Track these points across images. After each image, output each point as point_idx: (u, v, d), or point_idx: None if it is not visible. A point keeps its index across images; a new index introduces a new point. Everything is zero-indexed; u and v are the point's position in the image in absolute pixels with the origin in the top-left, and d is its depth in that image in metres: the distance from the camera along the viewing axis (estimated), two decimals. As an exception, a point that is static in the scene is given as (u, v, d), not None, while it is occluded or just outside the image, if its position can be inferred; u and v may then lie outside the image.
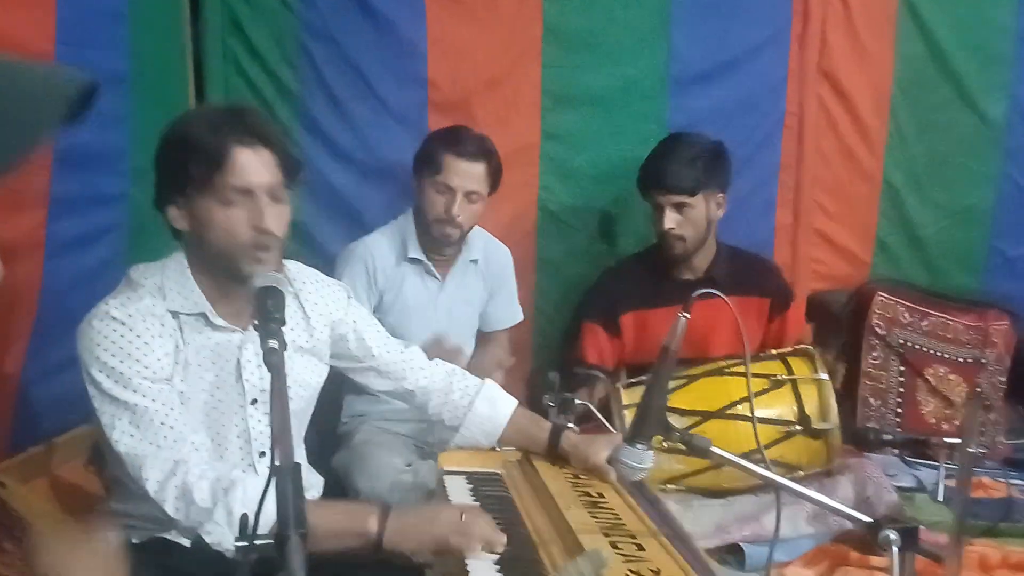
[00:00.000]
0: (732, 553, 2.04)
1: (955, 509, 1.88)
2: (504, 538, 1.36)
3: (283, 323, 1.23)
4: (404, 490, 2.01)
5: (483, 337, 2.58)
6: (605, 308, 2.52)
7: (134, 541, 1.59)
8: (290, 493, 0.92)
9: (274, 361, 1.12)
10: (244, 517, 0.95)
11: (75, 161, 1.87)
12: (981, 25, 2.84)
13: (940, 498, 2.20)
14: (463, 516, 1.38)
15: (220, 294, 1.52)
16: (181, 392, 1.49)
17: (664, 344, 1.38)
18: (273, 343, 1.15)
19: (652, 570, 1.28)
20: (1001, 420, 2.82)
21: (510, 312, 2.60)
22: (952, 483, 1.99)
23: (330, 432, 2.33)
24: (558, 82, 2.72)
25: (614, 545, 1.36)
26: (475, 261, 2.47)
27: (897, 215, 2.96)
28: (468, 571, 1.30)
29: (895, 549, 1.19)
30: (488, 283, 2.53)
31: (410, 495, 2.00)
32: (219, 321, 1.52)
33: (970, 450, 1.86)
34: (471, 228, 2.37)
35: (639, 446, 1.36)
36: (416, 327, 2.30)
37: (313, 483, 1.76)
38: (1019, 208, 2.97)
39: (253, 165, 1.44)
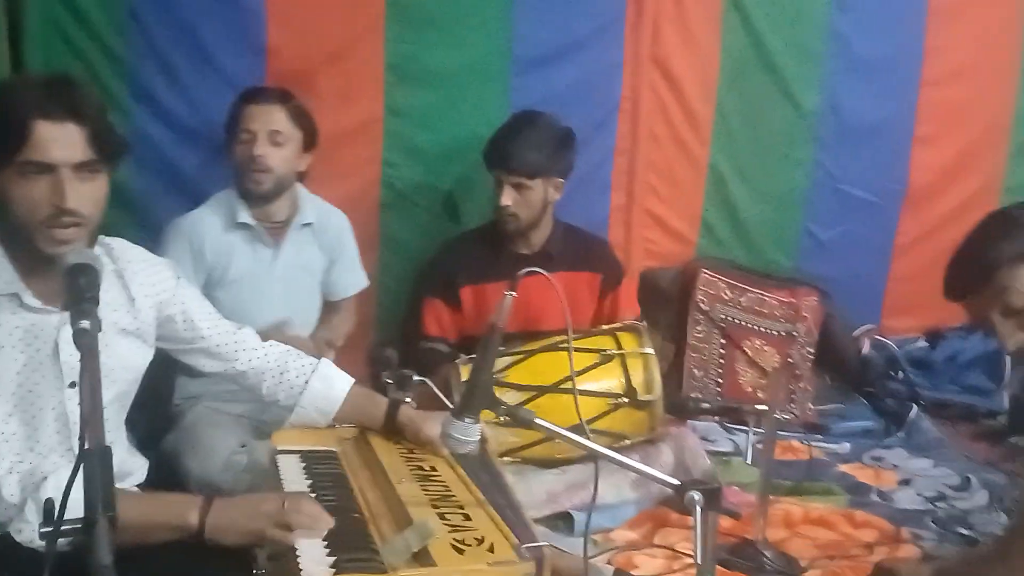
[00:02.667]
0: (563, 519, 2.16)
1: (761, 470, 2.06)
2: (331, 521, 1.36)
3: (96, 303, 1.18)
4: (237, 471, 1.98)
5: (328, 307, 2.55)
6: (444, 281, 2.56)
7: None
8: (98, 476, 0.90)
9: (85, 342, 1.08)
10: (49, 502, 0.92)
11: None
12: (798, 21, 3.07)
13: (749, 460, 2.39)
14: (285, 505, 1.37)
15: (35, 273, 1.44)
16: None
17: (491, 321, 1.43)
18: (84, 323, 1.11)
19: (476, 538, 1.34)
20: (809, 388, 3.09)
21: (353, 278, 2.58)
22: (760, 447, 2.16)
23: (161, 414, 2.25)
24: (402, 58, 2.72)
25: (442, 516, 1.40)
26: (309, 225, 2.43)
27: (721, 198, 3.16)
28: (297, 550, 1.31)
29: (699, 508, 1.29)
30: (326, 249, 2.48)
31: (244, 476, 1.97)
32: (33, 302, 1.44)
33: (775, 416, 2.05)
34: (286, 174, 2.32)
35: (467, 420, 1.40)
36: (251, 298, 2.26)
37: (137, 466, 1.70)
38: (829, 194, 3.24)
39: (56, 140, 1.36)
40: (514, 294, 1.45)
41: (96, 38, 2.46)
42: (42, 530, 0.90)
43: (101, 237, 1.60)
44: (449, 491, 1.53)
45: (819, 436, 2.84)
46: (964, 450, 2.81)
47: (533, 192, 2.45)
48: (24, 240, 1.40)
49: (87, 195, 1.39)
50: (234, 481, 1.97)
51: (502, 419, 2.07)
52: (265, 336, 1.83)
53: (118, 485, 1.62)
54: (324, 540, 1.34)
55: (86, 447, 0.95)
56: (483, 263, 2.54)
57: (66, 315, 1.43)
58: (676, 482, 1.35)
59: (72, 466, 1.20)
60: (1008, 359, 3.15)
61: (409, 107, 2.76)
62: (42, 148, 1.35)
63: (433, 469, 1.63)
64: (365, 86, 2.71)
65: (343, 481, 1.58)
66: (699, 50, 3.00)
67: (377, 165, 2.78)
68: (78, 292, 1.18)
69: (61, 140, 1.36)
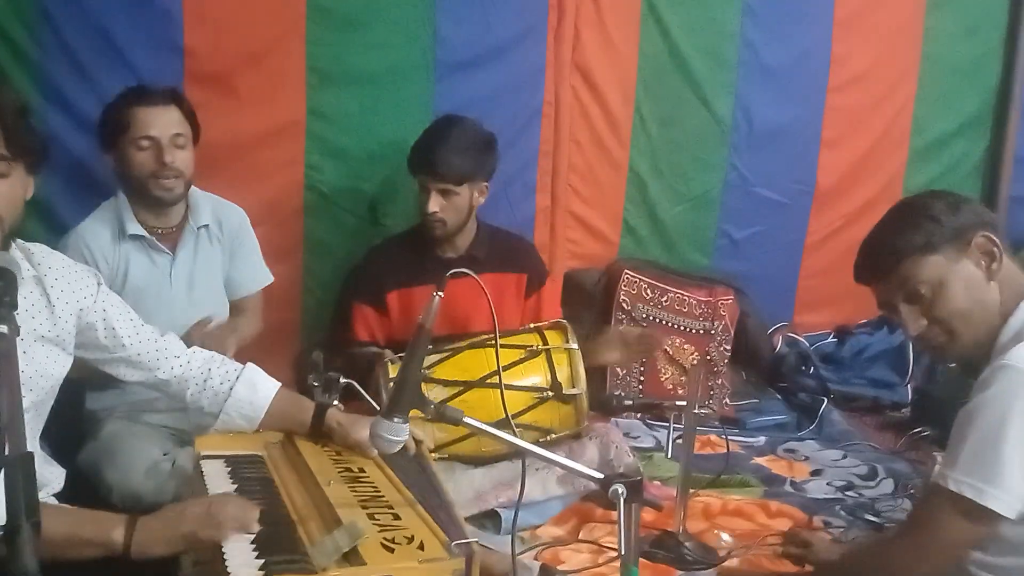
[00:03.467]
0: (490, 518, 2.18)
1: (682, 464, 2.12)
2: (256, 514, 1.37)
3: (14, 307, 1.15)
4: (160, 478, 1.95)
5: (233, 307, 2.46)
6: (371, 287, 2.54)
7: None
8: (20, 483, 0.89)
9: (2, 347, 1.06)
10: (-31, 512, 0.90)
11: None
12: (711, 29, 3.17)
13: (669, 455, 2.47)
14: (211, 506, 1.37)
15: None
16: None
17: (419, 322, 1.45)
18: (1, 328, 1.08)
19: (406, 536, 1.36)
20: (727, 384, 3.19)
21: (255, 275, 2.49)
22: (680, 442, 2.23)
23: (72, 428, 2.18)
24: (324, 60, 2.69)
25: (372, 516, 1.42)
26: (205, 226, 2.34)
27: (641, 199, 3.24)
28: (224, 555, 1.31)
29: (622, 501, 1.33)
30: (226, 246, 2.40)
31: (169, 484, 1.94)
32: None
33: (694, 411, 2.12)
34: (191, 177, 2.25)
35: (396, 420, 1.41)
36: (152, 308, 2.13)
37: (54, 476, 1.66)
38: (743, 195, 3.35)
39: None
40: (441, 295, 1.46)
41: (6, 39, 2.38)
42: (-38, 540, 0.88)
43: (21, 242, 1.56)
44: (378, 492, 1.54)
45: (736, 430, 2.94)
46: (871, 441, 2.94)
47: (459, 197, 2.46)
48: None
49: None
50: (157, 490, 1.94)
51: (430, 416, 2.15)
52: (188, 339, 1.81)
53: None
54: (252, 543, 1.34)
55: (7, 453, 0.93)
56: (409, 268, 2.53)
57: None
58: (600, 476, 1.39)
59: None
60: (912, 354, 3.32)
61: (331, 109, 2.74)
62: None
63: (362, 471, 1.64)
64: (287, 88, 2.67)
65: (269, 484, 1.58)
66: (618, 55, 3.07)
67: (299, 167, 2.74)
68: (-8, 296, 1.15)
69: None
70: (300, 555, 1.30)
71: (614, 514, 1.83)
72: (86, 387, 2.22)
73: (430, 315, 1.45)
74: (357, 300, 2.56)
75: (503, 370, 2.21)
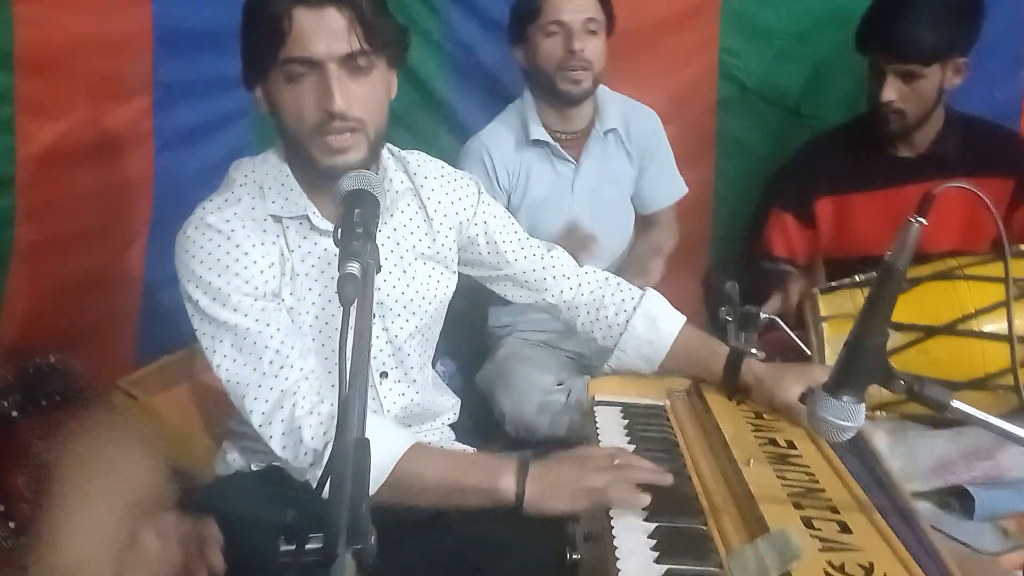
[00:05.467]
0: (956, 496, 1.68)
1: None
2: (669, 477, 1.13)
3: (371, 239, 0.96)
4: (554, 413, 1.79)
5: (642, 222, 2.26)
6: (797, 192, 2.16)
7: (252, 467, 1.47)
8: (349, 489, 0.67)
9: (348, 292, 0.86)
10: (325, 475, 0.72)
11: (182, 42, 1.69)
12: None
13: None
14: (615, 461, 1.15)
15: (321, 191, 1.30)
16: (291, 308, 1.31)
17: (887, 260, 1.00)
18: (352, 266, 0.89)
19: (862, 565, 0.95)
20: None
21: (669, 186, 2.26)
22: None
23: (478, 342, 2.13)
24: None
25: (808, 523, 1.03)
26: (613, 131, 2.14)
27: None
28: (616, 545, 1.04)
29: None
30: (635, 156, 2.19)
31: (561, 418, 1.78)
32: (324, 224, 1.31)
33: None
34: (600, 70, 2.03)
35: (846, 399, 1.00)
36: (552, 224, 2.01)
37: (447, 406, 1.55)
38: None
39: (317, 31, 1.19)
40: (923, 221, 1.00)
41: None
42: (284, 547, 0.69)
43: (396, 150, 1.44)
44: (815, 482, 1.15)
45: None
46: None
47: (927, 81, 1.92)
48: (300, 154, 1.27)
49: (359, 94, 1.22)
50: (552, 424, 1.80)
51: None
52: (558, 242, 1.59)
53: (427, 426, 1.49)
54: (651, 536, 1.05)
55: (356, 436, 0.73)
56: (848, 169, 2.09)
57: None
58: None
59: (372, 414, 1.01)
60: None
61: (753, -22, 2.32)
62: (302, 41, 1.19)
63: (791, 445, 1.26)
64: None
65: (674, 450, 1.28)
66: None
67: (713, 53, 2.39)
68: (349, 227, 0.97)
69: (322, 30, 1.19)
70: (711, 566, 0.98)
71: None
72: (488, 302, 2.13)
73: (906, 251, 1.00)
74: (778, 206, 2.20)
75: (982, 313, 1.70)
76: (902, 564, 0.96)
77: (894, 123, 1.98)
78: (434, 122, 2.38)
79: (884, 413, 1.80)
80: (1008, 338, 1.69)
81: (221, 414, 1.87)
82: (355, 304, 0.86)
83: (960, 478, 1.68)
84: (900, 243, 1.00)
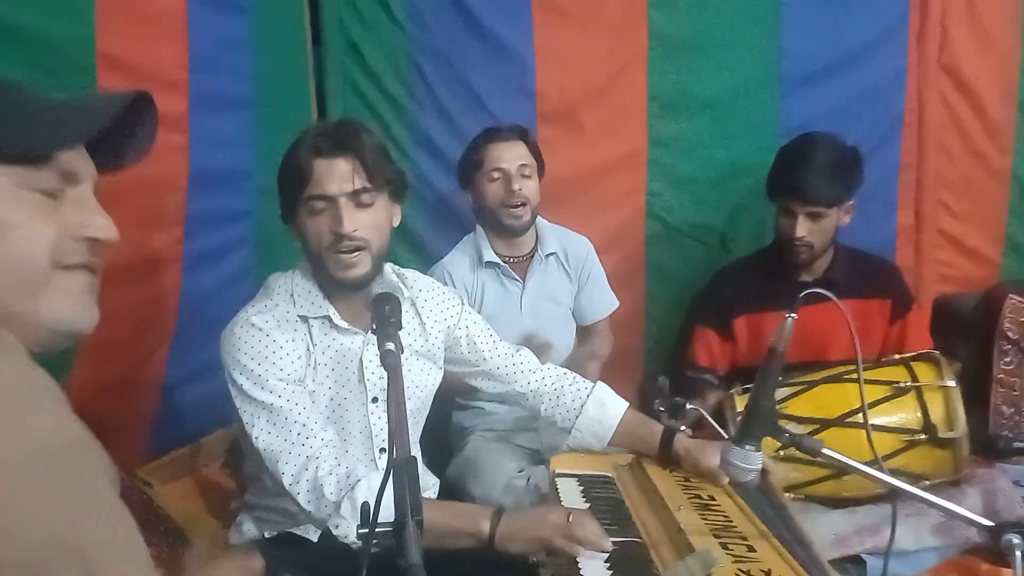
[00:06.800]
0: (854, 564, 1.98)
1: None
2: (609, 543, 1.38)
3: (399, 327, 1.29)
4: (518, 494, 2.04)
5: (581, 332, 2.56)
6: (718, 311, 2.49)
7: (265, 535, 1.70)
8: (406, 483, 0.98)
9: (390, 362, 1.18)
10: (365, 506, 1.00)
11: (207, 182, 2.01)
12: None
13: (1078, 509, 2.07)
14: (570, 518, 1.40)
15: (340, 298, 1.60)
16: (312, 392, 1.58)
17: (770, 344, 1.37)
18: (390, 345, 1.21)
19: (763, 570, 1.27)
20: None
21: (603, 301, 2.57)
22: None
23: (443, 445, 2.38)
24: (665, 88, 2.72)
25: (724, 546, 1.35)
26: (553, 255, 2.47)
27: (1030, 212, 2.82)
28: (580, 570, 1.33)
29: (1019, 554, 1.14)
30: (573, 275, 2.51)
31: (524, 498, 2.02)
32: (343, 324, 1.60)
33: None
34: (537, 205, 2.39)
35: (748, 447, 1.35)
36: (504, 332, 2.29)
37: (430, 484, 1.82)
38: None
39: (330, 174, 1.51)
40: (795, 316, 1.37)
41: (383, 91, 2.70)
42: (360, 531, 0.98)
43: (396, 268, 1.75)
44: (730, 521, 1.47)
45: None
46: None
47: (828, 220, 2.32)
48: (322, 269, 1.56)
49: (364, 220, 1.53)
50: (515, 503, 2.02)
51: (782, 453, 2.03)
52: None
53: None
54: (606, 562, 1.35)
55: (395, 456, 1.03)
56: (760, 293, 2.43)
57: (367, 336, 1.60)
58: (990, 523, 1.20)
59: (379, 473, 1.31)
60: None
61: (673, 136, 2.75)
62: (320, 182, 1.51)
63: (712, 499, 1.58)
64: (628, 118, 2.74)
65: (620, 505, 1.58)
66: (995, 53, 2.73)
67: (641, 196, 2.79)
68: (384, 318, 1.29)
69: (335, 173, 1.51)
70: (653, 577, 1.29)
71: (1004, 572, 1.57)
72: (453, 406, 2.42)
73: (783, 337, 1.36)
74: (700, 323, 2.53)
75: (867, 408, 2.03)
76: (790, 567, 1.28)
77: (803, 254, 2.35)
78: (401, 247, 2.71)
79: (792, 495, 2.12)
80: (885, 428, 2.08)
81: (219, 500, 2.11)
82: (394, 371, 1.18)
83: (854, 549, 1.98)
84: (779, 333, 1.37)
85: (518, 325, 2.40)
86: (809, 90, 2.70)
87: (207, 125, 1.97)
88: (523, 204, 2.35)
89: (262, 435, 1.50)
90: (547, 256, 2.47)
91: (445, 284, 2.30)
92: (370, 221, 1.54)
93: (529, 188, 2.36)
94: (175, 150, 1.90)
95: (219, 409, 1.92)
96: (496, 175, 2.35)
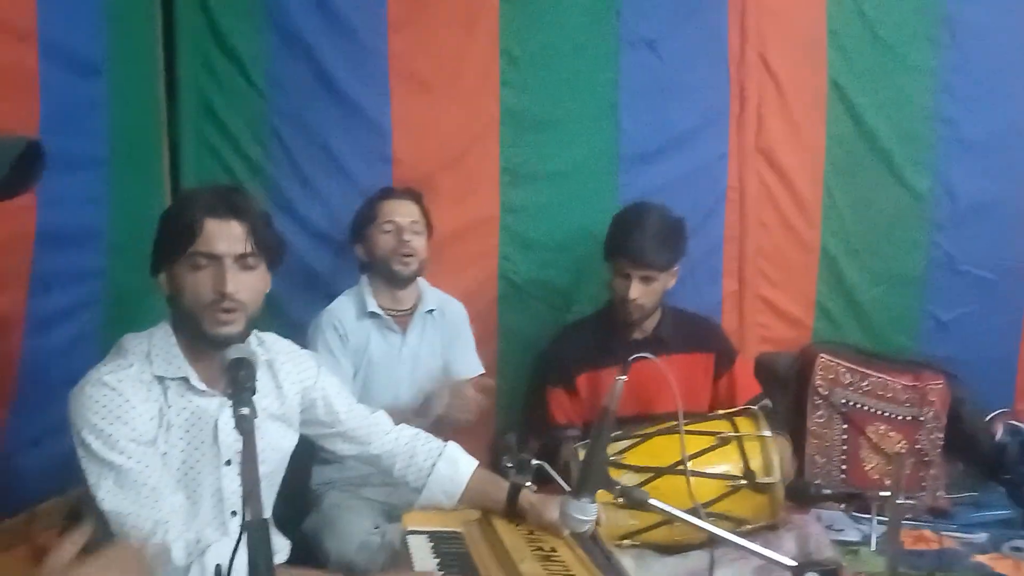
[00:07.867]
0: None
1: (888, 560, 2.00)
2: None
3: (253, 392, 1.33)
4: (371, 551, 2.08)
5: None
6: (560, 370, 2.63)
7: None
8: (260, 546, 1.03)
9: (245, 427, 1.23)
10: (218, 568, 1.04)
11: (56, 241, 1.98)
12: (904, 108, 3.08)
13: (876, 549, 2.32)
14: None
15: (200, 359, 1.62)
16: (164, 453, 1.58)
17: (603, 405, 1.51)
18: (244, 410, 1.26)
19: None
20: (941, 475, 2.97)
21: (468, 363, 2.68)
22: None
23: (300, 498, 2.40)
24: (516, 160, 2.89)
25: (563, 591, 1.46)
26: (432, 311, 2.59)
27: (835, 281, 3.15)
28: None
29: (818, 591, 1.31)
30: (446, 334, 2.63)
31: (377, 556, 2.07)
32: (200, 385, 1.62)
33: (899, 502, 2.01)
34: (423, 261, 2.53)
35: (584, 499, 1.47)
36: (383, 381, 2.44)
37: (280, 546, 1.83)
38: (949, 275, 3.17)
39: (221, 234, 1.56)
40: (625, 378, 1.52)
41: (244, 156, 2.74)
42: (213, 593, 1.02)
43: (256, 331, 1.78)
44: (569, 571, 1.58)
45: (953, 525, 2.71)
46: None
47: (659, 283, 2.53)
48: (192, 325, 1.58)
49: (246, 283, 1.57)
50: (368, 561, 2.07)
51: (619, 500, 2.17)
52: (393, 415, 1.96)
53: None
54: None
55: (248, 519, 1.08)
56: (597, 350, 2.59)
57: (224, 399, 1.62)
58: (792, 563, 1.37)
59: (228, 537, 1.33)
60: None
61: (523, 204, 2.92)
62: (209, 241, 1.55)
63: (553, 550, 1.69)
64: (482, 187, 2.89)
65: (468, 560, 1.66)
66: (804, 139, 3.05)
67: (494, 259, 2.93)
68: (239, 382, 1.34)
69: (225, 234, 1.56)
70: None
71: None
72: (311, 463, 2.44)
73: (614, 398, 1.51)
74: (550, 383, 2.66)
75: (692, 457, 2.22)
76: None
77: (636, 313, 2.54)
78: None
79: (630, 542, 2.27)
80: (710, 475, 2.27)
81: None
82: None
83: (686, 591, 2.15)
84: (611, 393, 1.51)
85: (397, 376, 2.50)
86: (644, 167, 2.94)
87: (57, 184, 1.94)
88: (412, 254, 2.49)
89: (108, 496, 1.49)
90: (427, 312, 2.59)
91: (335, 328, 2.44)
92: (250, 284, 1.59)
93: (418, 243, 2.51)
94: (21, 209, 1.87)
95: (59, 475, 1.87)
96: (388, 227, 2.50)
